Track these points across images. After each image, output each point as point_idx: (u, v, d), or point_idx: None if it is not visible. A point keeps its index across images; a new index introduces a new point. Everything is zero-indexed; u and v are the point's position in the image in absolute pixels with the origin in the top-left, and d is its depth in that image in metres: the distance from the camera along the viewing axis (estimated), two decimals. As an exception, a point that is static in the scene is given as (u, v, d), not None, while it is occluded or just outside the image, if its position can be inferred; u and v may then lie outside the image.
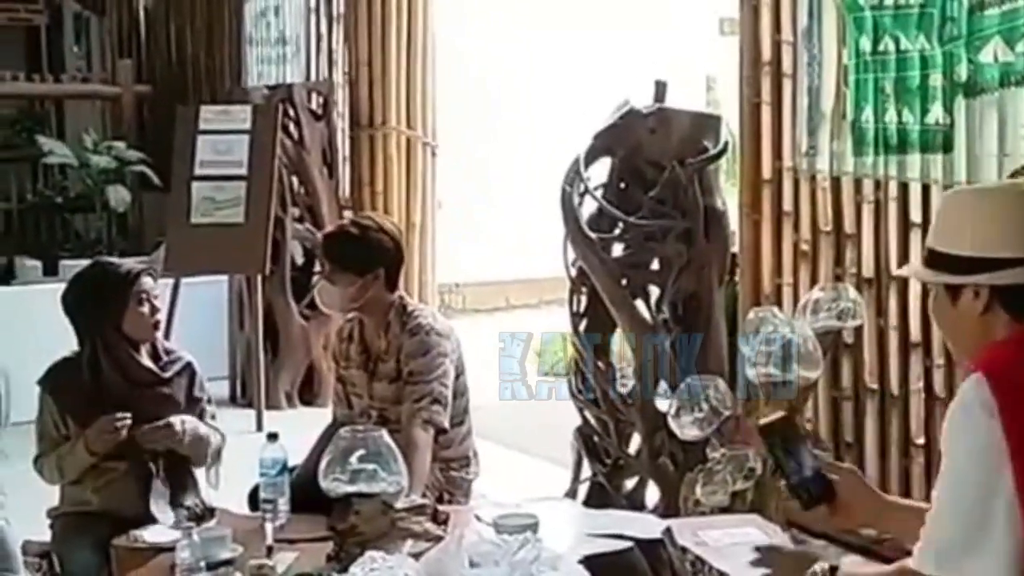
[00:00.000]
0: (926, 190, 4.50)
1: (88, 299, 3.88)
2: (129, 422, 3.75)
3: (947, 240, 2.29)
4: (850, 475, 2.61)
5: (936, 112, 4.38)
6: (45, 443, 3.86)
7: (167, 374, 3.95)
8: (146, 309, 3.88)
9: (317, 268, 7.99)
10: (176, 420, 3.80)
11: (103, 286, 3.88)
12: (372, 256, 4.04)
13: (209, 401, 4.07)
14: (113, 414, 3.73)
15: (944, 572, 2.10)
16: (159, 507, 3.73)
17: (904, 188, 4.60)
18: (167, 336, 5.32)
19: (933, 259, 2.31)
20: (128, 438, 3.75)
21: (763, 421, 2.62)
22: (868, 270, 4.77)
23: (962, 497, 2.10)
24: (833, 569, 2.36)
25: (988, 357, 2.17)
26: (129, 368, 3.88)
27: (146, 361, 3.92)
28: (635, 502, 5.09)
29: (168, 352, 4.02)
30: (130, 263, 4.09)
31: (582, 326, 5.15)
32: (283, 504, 3.57)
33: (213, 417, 4.04)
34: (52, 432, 3.85)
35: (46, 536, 3.92)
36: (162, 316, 4.06)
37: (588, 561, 3.16)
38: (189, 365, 4.02)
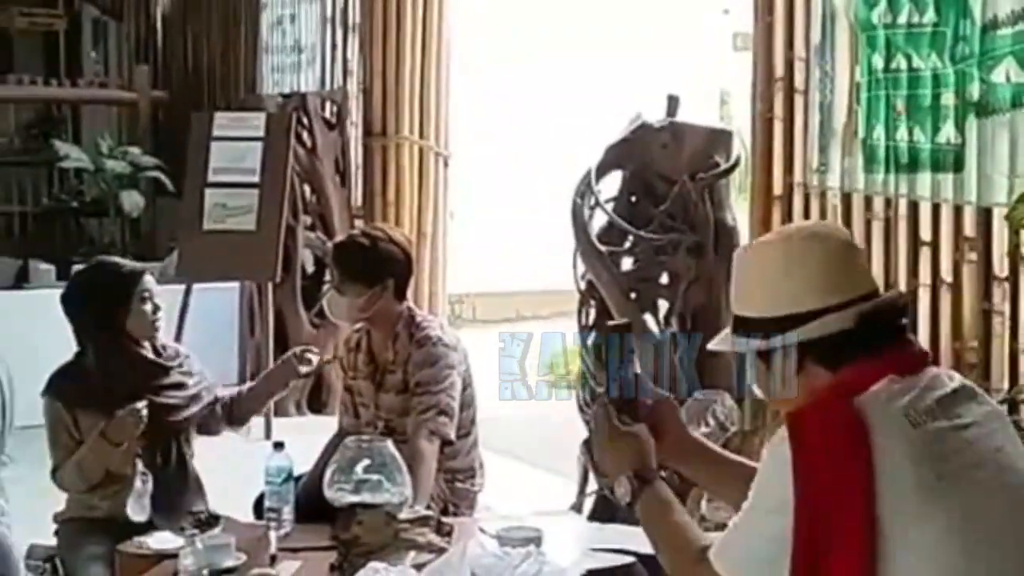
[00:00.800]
0: (936, 209, 4.50)
1: (92, 299, 3.88)
2: (145, 411, 3.74)
3: (745, 303, 2.21)
4: (665, 403, 2.57)
5: (947, 131, 4.37)
6: (59, 451, 3.82)
7: (172, 364, 3.96)
8: (149, 308, 3.88)
9: (327, 277, 8.01)
10: (140, 404, 3.75)
11: (107, 285, 3.89)
12: (382, 267, 4.04)
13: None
14: (132, 405, 3.72)
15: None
16: (135, 507, 3.73)
17: (914, 206, 4.60)
18: (177, 341, 5.34)
19: (737, 325, 2.21)
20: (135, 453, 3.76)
21: (611, 323, 2.65)
22: (877, 287, 4.76)
23: (758, 537, 2.08)
24: (642, 481, 2.31)
25: (795, 415, 2.08)
26: (136, 363, 3.89)
27: (151, 355, 3.93)
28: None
29: (165, 348, 4.03)
30: (131, 263, 4.10)
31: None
32: (287, 513, 3.57)
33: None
34: (65, 439, 3.81)
35: (52, 541, 3.93)
36: (165, 319, 4.06)
37: (591, 575, 3.16)
38: (188, 357, 4.03)
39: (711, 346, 2.31)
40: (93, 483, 3.82)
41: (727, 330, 2.25)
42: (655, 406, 2.49)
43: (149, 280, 3.91)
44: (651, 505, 2.32)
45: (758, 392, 2.25)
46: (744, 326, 2.19)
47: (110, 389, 3.82)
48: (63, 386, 3.87)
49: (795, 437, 2.04)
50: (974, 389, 2.17)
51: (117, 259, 4.19)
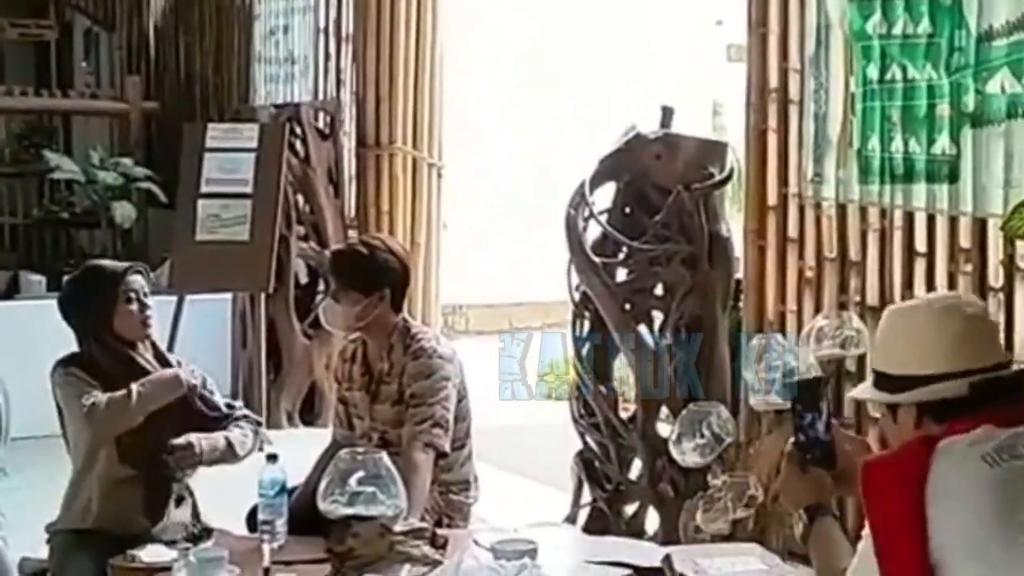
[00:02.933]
0: (931, 220, 4.50)
1: (80, 299, 3.88)
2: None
3: (881, 360, 2.48)
4: (860, 443, 2.77)
5: (943, 142, 4.37)
6: (86, 396, 3.71)
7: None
8: (135, 307, 3.85)
9: (321, 287, 7.99)
10: (195, 440, 3.75)
11: (93, 285, 3.89)
12: (379, 276, 4.03)
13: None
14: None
15: None
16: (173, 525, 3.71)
17: (909, 217, 4.60)
18: (169, 351, 5.30)
19: (877, 379, 2.48)
20: (145, 451, 3.74)
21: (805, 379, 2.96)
22: (872, 298, 4.76)
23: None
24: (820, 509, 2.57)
25: (870, 460, 2.36)
26: (130, 366, 3.86)
27: (148, 356, 3.91)
28: (635, 528, 5.07)
29: (165, 355, 4.01)
30: (116, 263, 4.07)
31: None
32: (281, 525, 3.55)
33: (232, 409, 4.01)
34: (88, 388, 3.73)
35: (43, 553, 3.90)
36: (158, 330, 4.05)
37: (587, 588, 3.15)
38: (195, 369, 4.01)
39: (854, 394, 2.74)
40: (127, 422, 3.75)
41: (869, 382, 2.52)
42: (849, 451, 2.67)
43: (135, 279, 3.88)
44: (820, 533, 2.56)
45: (889, 441, 2.50)
46: (880, 380, 2.46)
47: (111, 378, 3.79)
48: (71, 361, 3.84)
49: (865, 480, 2.28)
50: None
51: (104, 262, 4.16)
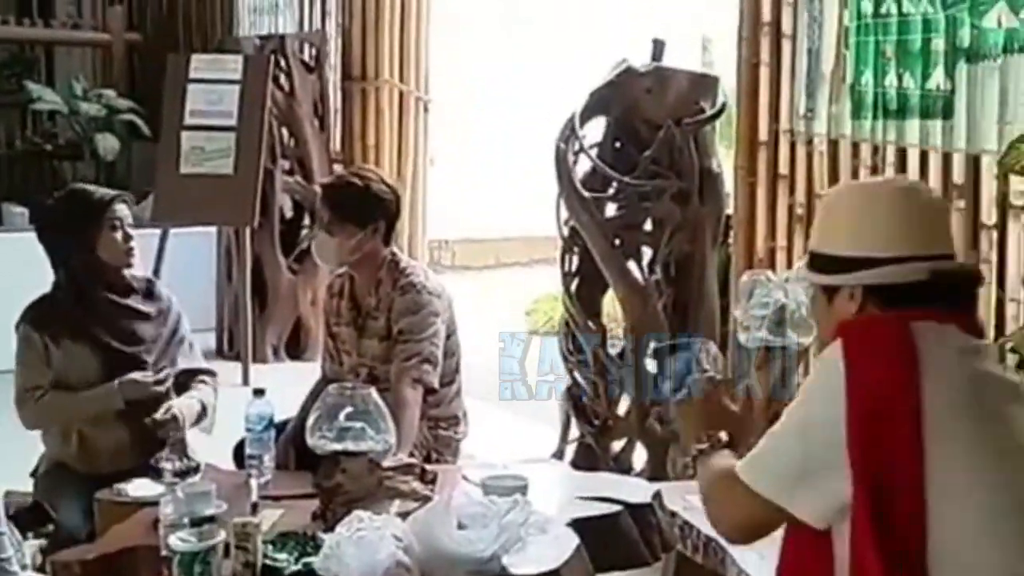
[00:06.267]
0: (924, 156, 4.45)
1: (62, 224, 3.84)
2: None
3: (822, 240, 2.28)
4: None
5: (937, 77, 4.32)
6: (30, 375, 3.78)
7: (153, 297, 3.94)
8: (119, 236, 3.83)
9: (306, 222, 7.94)
10: (176, 410, 3.74)
11: (77, 211, 3.84)
12: (374, 208, 3.97)
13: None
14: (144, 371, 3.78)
15: (777, 498, 2.14)
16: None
17: (902, 153, 4.55)
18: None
19: (812, 260, 2.30)
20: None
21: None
22: (863, 235, 4.72)
23: (809, 429, 2.12)
24: (723, 445, 2.42)
25: (848, 328, 2.18)
26: (113, 282, 3.85)
27: (128, 278, 3.90)
28: (622, 464, 5.07)
29: (150, 281, 4.00)
30: (104, 189, 4.01)
31: (574, 286, 5.12)
32: (268, 460, 3.54)
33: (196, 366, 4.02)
34: (37, 365, 3.78)
35: (28, 487, 3.89)
36: (142, 263, 4.02)
37: (577, 524, 3.14)
38: (172, 301, 4.00)
39: (794, 273, 2.49)
40: (60, 427, 3.81)
41: (802, 262, 2.35)
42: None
43: (121, 208, 3.86)
44: (710, 459, 2.39)
45: (813, 325, 2.39)
46: (817, 261, 2.27)
47: (83, 312, 3.79)
48: (38, 315, 3.82)
49: (849, 346, 2.12)
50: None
51: (89, 186, 4.10)
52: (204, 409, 3.90)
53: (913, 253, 2.16)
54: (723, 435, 2.45)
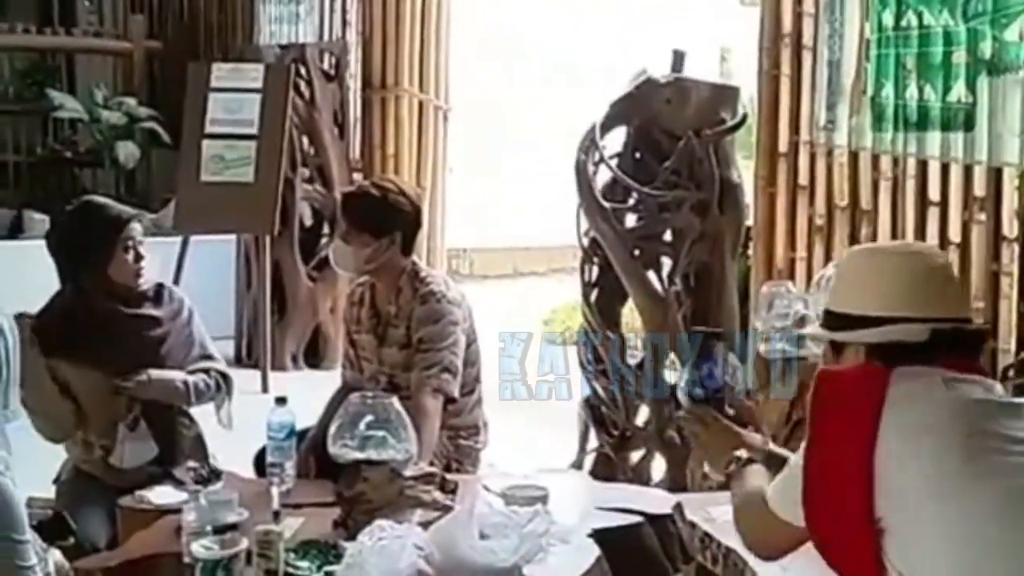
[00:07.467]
0: (945, 168, 4.45)
1: (75, 240, 3.80)
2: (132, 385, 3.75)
3: (833, 299, 2.40)
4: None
5: (958, 90, 4.32)
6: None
7: (163, 301, 3.91)
8: (131, 256, 3.80)
9: (326, 230, 7.97)
10: (149, 372, 3.74)
11: (92, 230, 3.80)
12: (390, 219, 3.98)
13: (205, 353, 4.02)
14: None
15: (797, 520, 2.25)
16: (126, 454, 3.73)
17: (923, 166, 4.55)
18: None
19: (827, 318, 2.41)
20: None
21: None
22: (884, 247, 4.73)
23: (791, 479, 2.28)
24: (749, 460, 2.58)
25: (824, 371, 2.30)
26: (122, 295, 3.82)
27: (130, 310, 3.86)
28: (641, 475, 5.07)
29: (161, 285, 3.97)
30: (120, 207, 3.95)
31: (593, 296, 5.13)
32: (290, 468, 3.54)
33: (211, 358, 3.99)
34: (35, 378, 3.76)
35: (51, 494, 3.90)
36: (162, 272, 4.01)
37: (598, 535, 3.15)
38: (184, 302, 3.97)
39: (803, 332, 2.76)
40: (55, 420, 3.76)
41: (817, 323, 2.48)
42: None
43: (135, 228, 3.81)
44: (742, 478, 2.56)
45: None
46: (828, 320, 2.39)
47: (85, 317, 3.77)
48: (42, 329, 3.79)
49: (815, 394, 2.23)
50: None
51: (105, 201, 4.03)
52: (186, 388, 3.84)
53: (913, 315, 2.25)
54: (743, 452, 2.59)
